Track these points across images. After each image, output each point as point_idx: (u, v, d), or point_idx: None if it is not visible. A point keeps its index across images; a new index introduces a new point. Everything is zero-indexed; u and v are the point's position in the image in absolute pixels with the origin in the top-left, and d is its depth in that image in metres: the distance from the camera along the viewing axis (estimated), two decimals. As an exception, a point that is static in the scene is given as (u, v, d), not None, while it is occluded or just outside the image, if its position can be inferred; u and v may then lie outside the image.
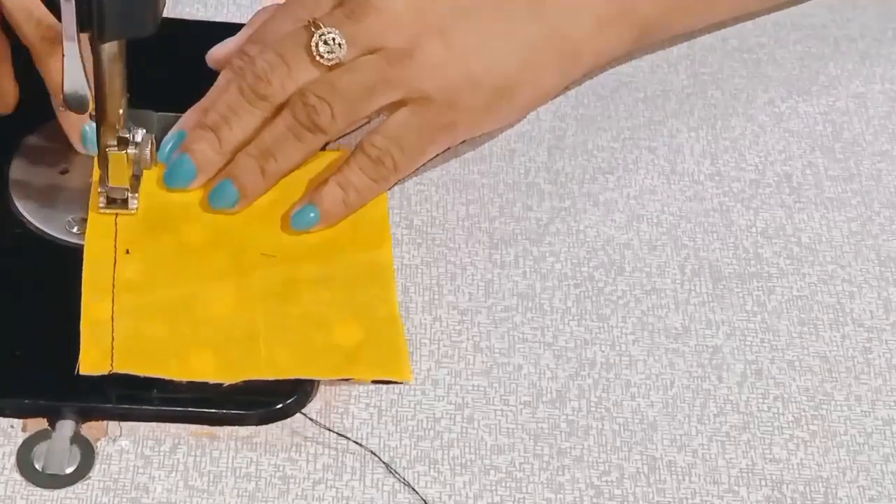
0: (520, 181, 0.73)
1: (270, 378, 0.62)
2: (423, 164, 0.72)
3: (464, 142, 0.74)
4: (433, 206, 0.71)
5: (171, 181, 0.67)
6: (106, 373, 0.61)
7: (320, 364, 0.63)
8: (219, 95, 0.68)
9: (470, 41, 0.69)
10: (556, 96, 0.76)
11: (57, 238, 0.66)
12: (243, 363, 0.62)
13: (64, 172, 0.69)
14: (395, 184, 0.70)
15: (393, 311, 0.65)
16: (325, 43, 0.67)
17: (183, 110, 0.70)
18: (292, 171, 0.68)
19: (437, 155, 0.72)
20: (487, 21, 0.70)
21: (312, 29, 0.67)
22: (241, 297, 0.64)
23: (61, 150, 0.69)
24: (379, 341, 0.64)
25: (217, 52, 0.72)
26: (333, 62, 0.67)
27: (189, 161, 0.67)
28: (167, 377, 0.61)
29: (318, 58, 0.67)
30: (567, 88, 0.77)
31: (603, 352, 0.66)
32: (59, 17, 0.60)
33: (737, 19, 0.82)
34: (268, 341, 0.63)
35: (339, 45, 0.67)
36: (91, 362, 0.61)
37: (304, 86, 0.67)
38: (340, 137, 0.70)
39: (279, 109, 0.68)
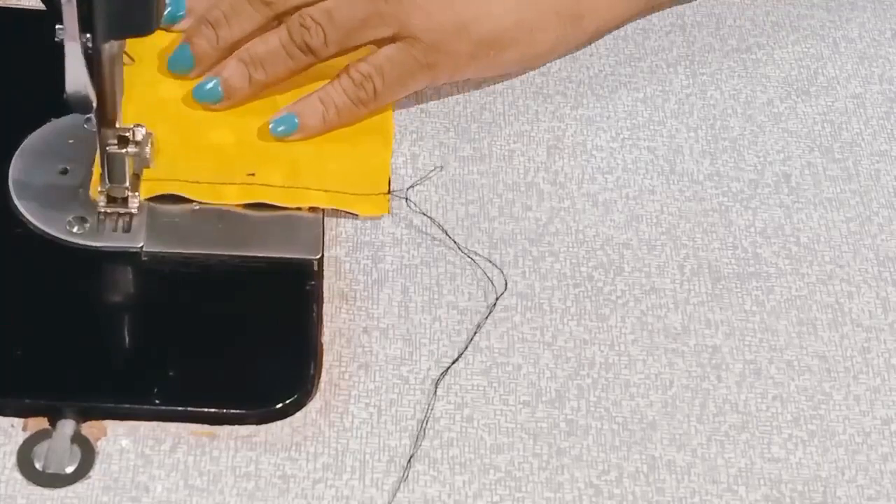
0: (519, 181, 0.73)
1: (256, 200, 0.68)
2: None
3: (463, 141, 0.74)
4: (433, 206, 0.71)
5: (172, 66, 0.72)
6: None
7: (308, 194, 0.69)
8: None
9: None
10: (551, 60, 0.77)
11: (57, 238, 0.66)
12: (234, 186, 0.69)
13: (64, 172, 0.69)
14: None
15: (385, 158, 0.72)
16: None
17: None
18: (277, 83, 0.72)
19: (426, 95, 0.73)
20: None
21: None
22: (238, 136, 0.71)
23: (61, 150, 0.69)
24: (364, 176, 0.70)
25: None
26: None
27: (188, 51, 0.72)
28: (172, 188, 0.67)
29: None
30: (566, 88, 0.77)
31: (602, 351, 0.66)
32: (59, 18, 0.60)
33: (736, 18, 0.82)
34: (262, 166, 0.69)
35: None
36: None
37: (305, 8, 0.71)
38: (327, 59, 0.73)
39: (276, 18, 0.71)
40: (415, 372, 0.64)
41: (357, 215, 0.70)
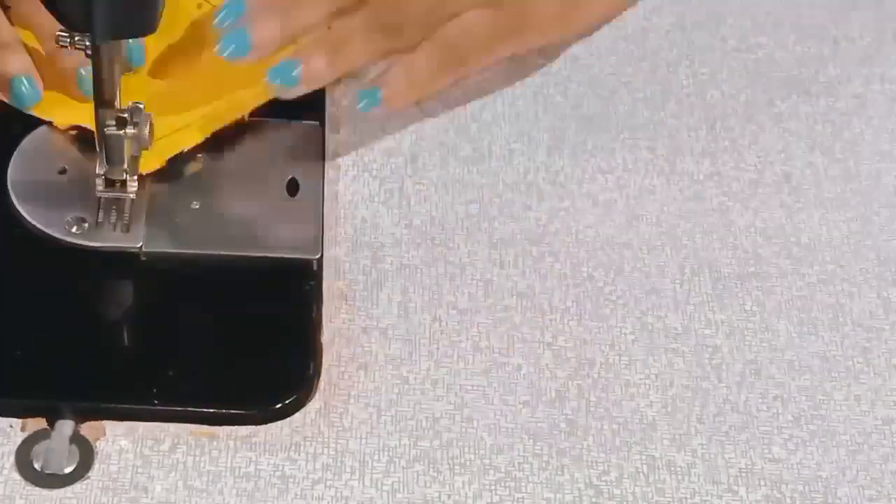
0: (519, 181, 0.73)
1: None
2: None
3: (463, 141, 0.74)
4: (433, 206, 0.71)
5: (224, 52, 0.64)
6: None
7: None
8: None
9: None
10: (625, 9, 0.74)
11: (57, 238, 0.66)
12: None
13: (63, 172, 0.69)
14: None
15: None
16: None
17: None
18: (355, 68, 0.67)
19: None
20: None
21: None
22: None
23: (61, 150, 0.69)
24: None
25: None
26: None
27: (247, 37, 0.64)
28: None
29: None
30: (566, 88, 0.77)
31: (602, 352, 0.66)
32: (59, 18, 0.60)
33: (736, 18, 0.82)
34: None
35: None
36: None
37: None
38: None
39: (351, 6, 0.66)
40: (414, 372, 0.64)
41: None
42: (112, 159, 0.66)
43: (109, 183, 0.66)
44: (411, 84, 0.67)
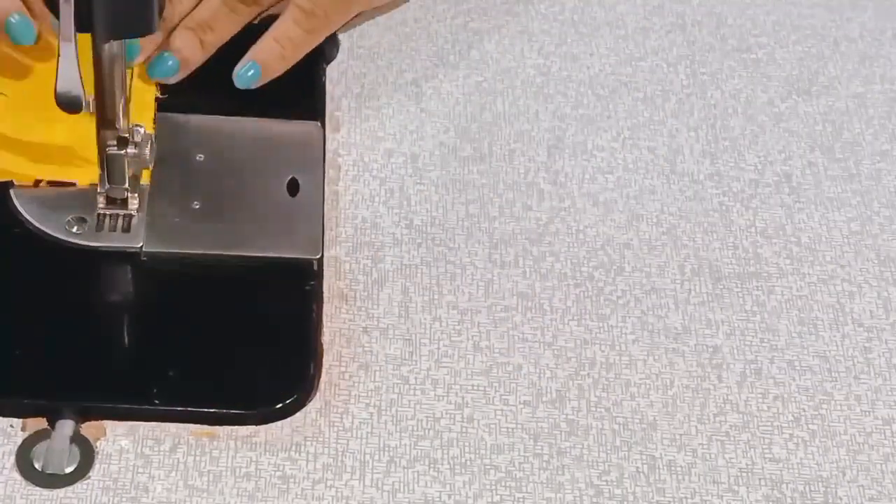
0: (520, 181, 0.73)
1: None
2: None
3: (463, 141, 0.74)
4: (433, 206, 0.71)
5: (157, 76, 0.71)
6: None
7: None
8: None
9: None
10: None
11: (56, 238, 0.66)
12: None
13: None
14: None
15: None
16: None
17: (185, 111, 0.71)
18: (226, 41, 0.72)
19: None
20: None
21: None
22: None
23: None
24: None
25: None
26: None
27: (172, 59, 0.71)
28: None
29: None
30: (566, 88, 0.77)
31: (603, 352, 0.66)
32: (58, 17, 0.60)
33: (736, 18, 0.82)
34: None
35: None
36: None
37: None
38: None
39: None
40: (415, 372, 0.64)
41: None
42: (113, 178, 0.66)
43: (111, 201, 0.67)
44: (286, 56, 0.71)
